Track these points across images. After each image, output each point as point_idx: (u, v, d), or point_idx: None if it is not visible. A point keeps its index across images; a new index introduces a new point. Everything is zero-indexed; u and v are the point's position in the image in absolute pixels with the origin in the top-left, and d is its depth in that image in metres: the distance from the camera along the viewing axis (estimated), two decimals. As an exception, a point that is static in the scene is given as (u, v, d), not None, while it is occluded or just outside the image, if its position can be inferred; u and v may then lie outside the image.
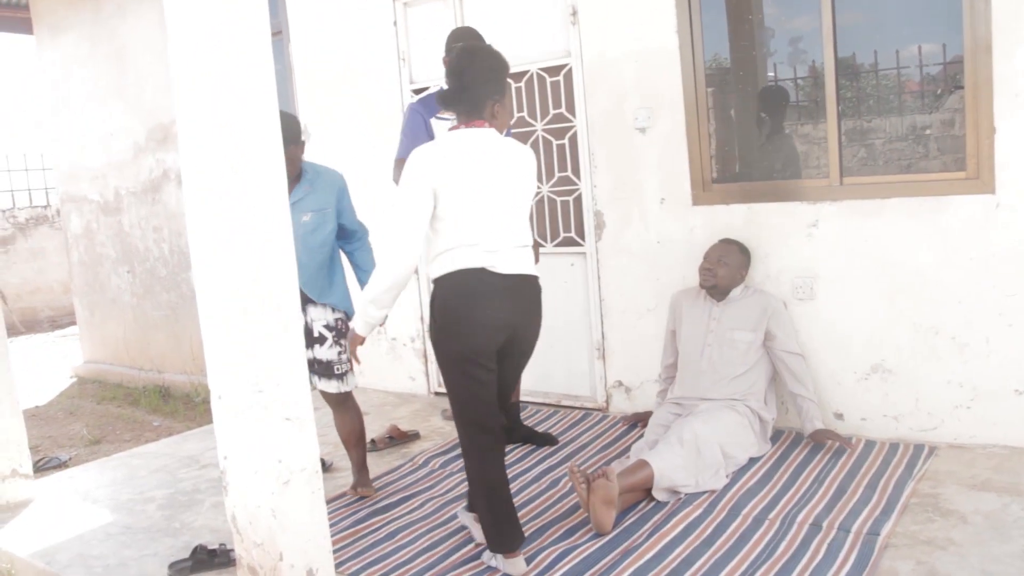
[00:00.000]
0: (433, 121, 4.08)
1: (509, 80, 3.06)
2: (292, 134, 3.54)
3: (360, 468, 3.87)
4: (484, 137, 2.88)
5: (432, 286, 2.93)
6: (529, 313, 2.98)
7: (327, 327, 3.70)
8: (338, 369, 3.71)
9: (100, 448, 5.66)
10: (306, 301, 3.63)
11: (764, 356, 3.93)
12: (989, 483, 3.34)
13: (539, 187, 4.77)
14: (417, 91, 5.16)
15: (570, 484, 3.65)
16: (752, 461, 3.73)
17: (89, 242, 7.84)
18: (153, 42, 6.64)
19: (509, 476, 3.57)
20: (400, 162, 4.08)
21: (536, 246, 4.35)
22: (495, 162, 2.87)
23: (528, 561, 3.00)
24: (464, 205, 2.82)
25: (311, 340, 3.68)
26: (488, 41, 4.02)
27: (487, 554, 3.04)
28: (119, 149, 7.26)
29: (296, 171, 3.63)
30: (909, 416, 3.85)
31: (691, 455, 3.46)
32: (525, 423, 4.48)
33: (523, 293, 2.93)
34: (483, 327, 2.84)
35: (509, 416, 4.00)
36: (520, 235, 2.93)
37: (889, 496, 3.28)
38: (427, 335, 5.36)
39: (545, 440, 4.30)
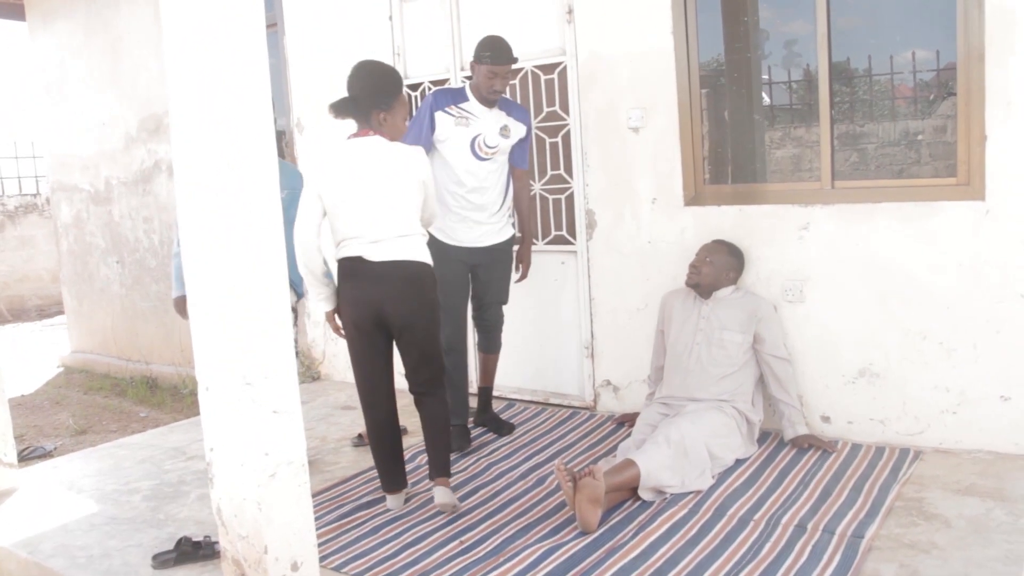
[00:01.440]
0: (438, 114, 4.09)
1: (405, 93, 3.54)
2: None
3: None
4: (368, 145, 3.37)
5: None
6: (393, 294, 3.38)
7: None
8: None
9: (86, 438, 5.65)
10: None
11: (752, 358, 3.94)
12: (973, 488, 3.35)
13: (532, 184, 4.77)
14: (411, 86, 5.16)
15: (556, 482, 3.65)
16: (739, 462, 3.74)
17: (79, 231, 7.81)
18: (147, 33, 6.62)
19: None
20: None
21: (529, 244, 4.37)
22: (375, 166, 3.35)
23: (512, 558, 3.01)
24: (343, 204, 3.34)
25: None
26: (510, 44, 4.04)
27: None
28: (111, 139, 7.24)
29: None
30: (896, 420, 3.87)
31: (678, 455, 3.47)
32: (500, 415, 4.60)
33: (388, 278, 3.37)
34: (356, 304, 3.40)
35: (480, 400, 4.41)
36: (400, 227, 3.38)
37: (874, 499, 3.30)
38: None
39: (502, 428, 4.42)
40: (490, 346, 4.45)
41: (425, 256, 3.46)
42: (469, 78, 4.33)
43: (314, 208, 3.37)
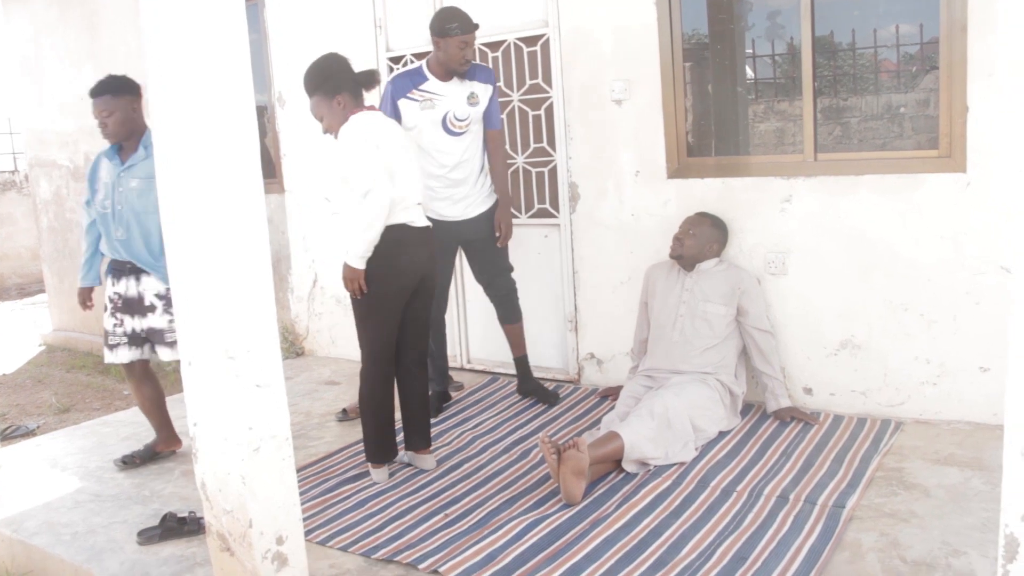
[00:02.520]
0: (401, 103, 4.06)
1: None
2: (114, 86, 3.96)
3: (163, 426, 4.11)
4: (384, 117, 3.59)
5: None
6: (434, 258, 3.62)
7: (158, 296, 3.84)
8: (169, 337, 3.83)
9: (69, 416, 5.63)
10: (135, 271, 3.87)
11: (735, 331, 3.96)
12: (952, 458, 3.39)
13: (514, 157, 4.75)
14: (393, 59, 5.12)
15: (540, 454, 3.67)
16: (722, 434, 3.76)
17: (59, 208, 7.74)
18: (125, 6, 6.52)
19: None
20: None
21: (507, 206, 4.33)
22: (401, 135, 3.60)
23: (497, 530, 3.03)
24: (398, 171, 3.44)
25: (143, 309, 3.88)
26: (470, 11, 4.01)
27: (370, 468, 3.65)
28: (90, 114, 7.10)
29: (129, 133, 3.99)
30: (877, 392, 3.90)
31: (661, 427, 3.49)
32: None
33: (430, 243, 3.59)
34: (406, 271, 3.52)
35: (519, 371, 4.56)
36: (420, 193, 3.61)
37: (855, 470, 3.33)
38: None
39: (548, 397, 4.42)
40: (510, 316, 4.45)
41: None
42: (419, 56, 4.30)
43: (384, 173, 3.36)
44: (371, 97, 3.79)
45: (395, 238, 3.43)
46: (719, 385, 3.81)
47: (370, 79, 3.56)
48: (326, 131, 3.54)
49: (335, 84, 3.46)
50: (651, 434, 3.45)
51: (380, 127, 3.48)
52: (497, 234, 4.28)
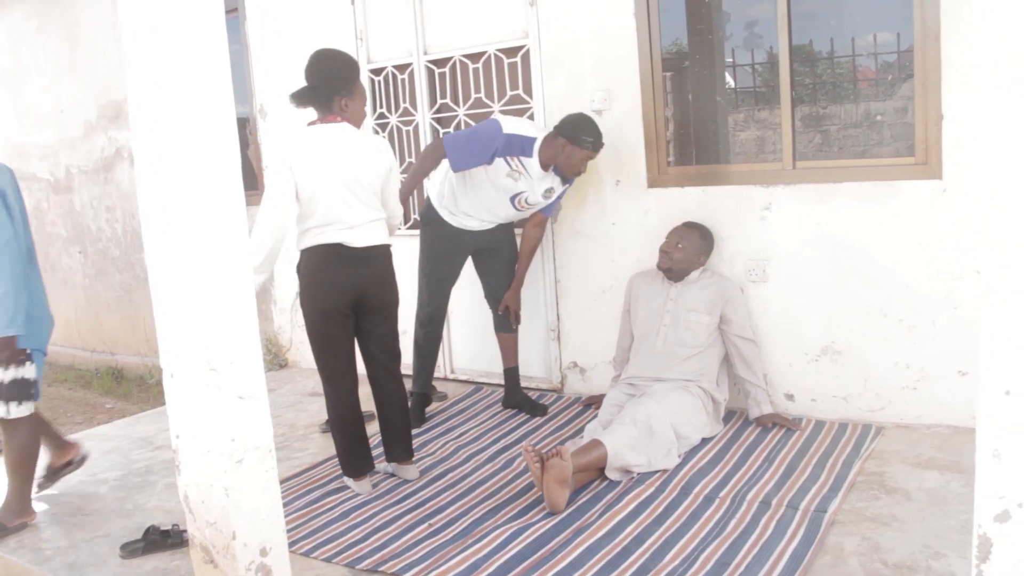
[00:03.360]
0: (498, 159, 4.06)
1: (364, 79, 3.52)
2: None
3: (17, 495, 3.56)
4: (338, 131, 3.38)
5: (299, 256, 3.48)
6: (376, 277, 3.50)
7: None
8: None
9: (51, 430, 5.58)
10: None
11: (718, 339, 3.98)
12: (933, 461, 3.42)
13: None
14: (374, 71, 5.13)
15: (524, 464, 3.68)
16: (704, 441, 3.78)
17: (39, 221, 7.69)
18: (105, 18, 6.51)
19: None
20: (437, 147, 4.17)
21: (517, 289, 4.43)
22: (349, 152, 3.36)
23: (481, 539, 3.03)
24: (321, 190, 3.32)
25: None
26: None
27: (345, 480, 3.63)
28: (70, 126, 7.13)
29: None
30: (858, 397, 3.93)
31: (644, 435, 3.50)
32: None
33: (370, 261, 3.45)
34: (338, 288, 3.40)
35: (507, 381, 4.54)
36: (374, 212, 3.45)
37: (837, 475, 3.36)
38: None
39: (535, 409, 4.41)
40: (505, 325, 4.47)
41: (389, 239, 3.60)
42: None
43: (291, 194, 3.33)
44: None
45: (321, 257, 3.39)
46: (701, 392, 3.83)
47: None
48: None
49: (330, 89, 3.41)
50: (634, 442, 3.46)
51: (312, 145, 3.36)
52: (500, 312, 4.39)
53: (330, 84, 3.39)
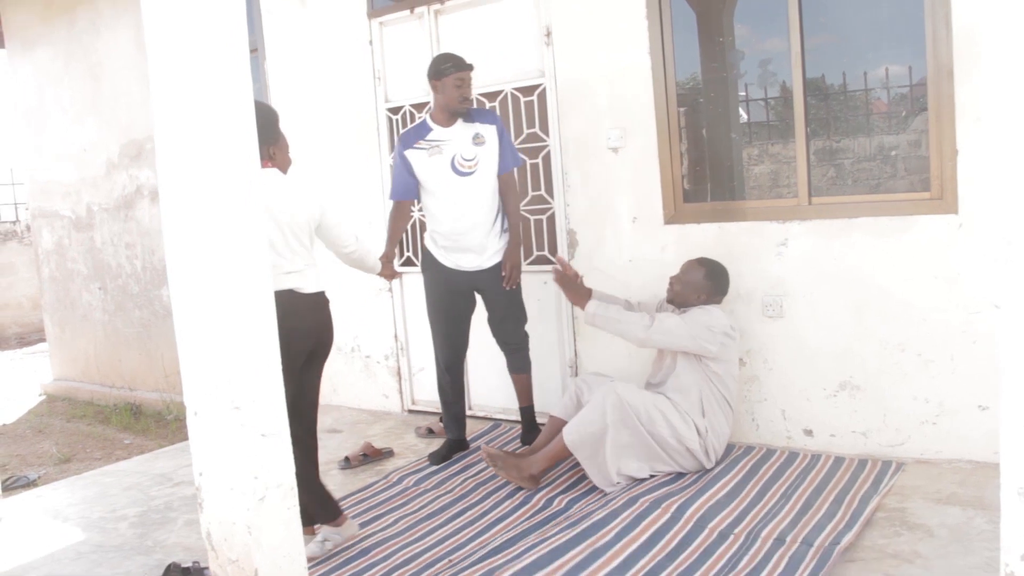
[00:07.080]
0: (409, 153, 4.19)
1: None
2: None
3: None
4: (271, 176, 3.38)
5: None
6: (327, 323, 3.51)
7: None
8: None
9: (70, 466, 5.61)
10: None
11: (710, 381, 3.85)
12: (954, 497, 3.40)
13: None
14: (392, 110, 5.20)
15: (544, 499, 3.69)
16: (720, 474, 3.74)
17: (60, 258, 7.79)
18: (128, 58, 6.63)
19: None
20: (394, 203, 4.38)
21: (516, 244, 4.35)
22: (283, 197, 3.37)
23: (496, 552, 3.09)
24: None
25: None
26: (469, 60, 4.11)
27: (324, 532, 3.39)
28: (92, 165, 7.23)
29: None
30: (877, 432, 3.92)
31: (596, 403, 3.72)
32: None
33: (321, 306, 3.47)
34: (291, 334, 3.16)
35: (523, 420, 4.56)
36: (309, 257, 3.44)
37: (854, 511, 3.34)
38: (400, 353, 5.37)
39: None
40: (517, 366, 4.46)
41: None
42: (417, 107, 4.41)
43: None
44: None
45: (280, 304, 3.21)
46: (688, 416, 3.79)
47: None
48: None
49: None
50: (586, 415, 3.71)
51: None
52: (503, 274, 4.28)
53: (260, 134, 3.38)
